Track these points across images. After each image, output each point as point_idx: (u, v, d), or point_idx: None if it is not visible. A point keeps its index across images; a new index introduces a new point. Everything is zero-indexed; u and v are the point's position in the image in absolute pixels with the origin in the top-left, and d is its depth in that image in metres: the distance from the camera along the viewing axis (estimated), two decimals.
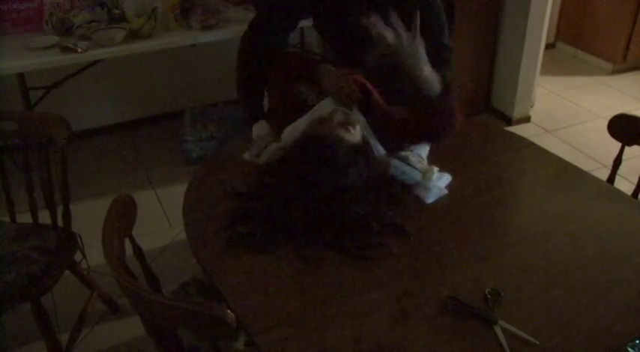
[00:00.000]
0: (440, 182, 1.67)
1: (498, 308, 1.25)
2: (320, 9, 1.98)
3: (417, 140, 1.75)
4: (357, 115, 1.70)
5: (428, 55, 1.86)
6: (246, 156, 1.81)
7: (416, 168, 1.67)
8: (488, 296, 1.27)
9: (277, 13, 1.93)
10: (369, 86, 1.72)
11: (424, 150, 1.77)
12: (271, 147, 1.74)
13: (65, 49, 2.59)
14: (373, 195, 1.56)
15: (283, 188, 1.54)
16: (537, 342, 1.17)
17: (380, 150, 1.68)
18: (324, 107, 1.71)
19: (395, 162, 1.68)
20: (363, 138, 1.62)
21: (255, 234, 1.46)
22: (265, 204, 1.52)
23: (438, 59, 1.87)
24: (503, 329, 1.20)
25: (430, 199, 1.62)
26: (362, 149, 1.58)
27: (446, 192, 1.66)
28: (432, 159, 1.75)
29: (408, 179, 1.65)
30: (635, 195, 1.82)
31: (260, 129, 1.86)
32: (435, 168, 1.67)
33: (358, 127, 1.61)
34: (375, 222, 1.48)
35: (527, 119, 3.79)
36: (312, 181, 1.50)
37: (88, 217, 2.17)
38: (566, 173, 1.77)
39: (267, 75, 1.90)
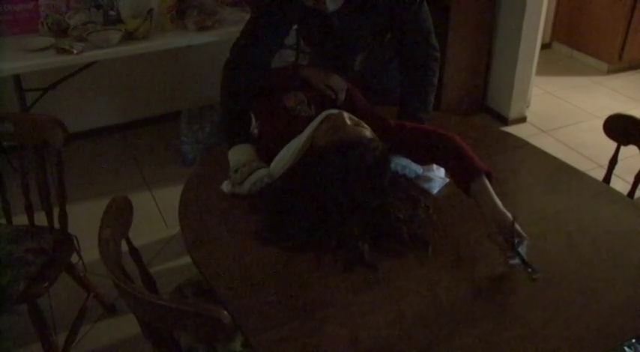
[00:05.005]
0: (439, 171, 1.68)
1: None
2: (302, 16, 1.88)
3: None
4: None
5: (416, 57, 1.85)
6: (225, 187, 1.64)
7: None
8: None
9: (260, 34, 1.78)
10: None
11: None
12: (258, 173, 1.59)
13: (61, 51, 2.59)
14: (405, 198, 1.52)
15: (319, 193, 1.47)
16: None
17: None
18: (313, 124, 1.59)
19: (394, 157, 1.61)
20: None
21: (297, 231, 1.45)
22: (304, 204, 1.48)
23: (427, 60, 1.86)
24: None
25: (435, 189, 1.59)
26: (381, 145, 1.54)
27: (447, 180, 1.66)
28: None
29: (409, 173, 1.63)
30: (630, 194, 1.83)
31: (239, 154, 1.66)
32: None
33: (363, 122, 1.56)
34: (405, 228, 1.45)
35: (523, 119, 3.79)
36: (352, 185, 1.44)
37: (85, 219, 2.17)
38: (562, 173, 1.78)
39: (253, 98, 1.79)
